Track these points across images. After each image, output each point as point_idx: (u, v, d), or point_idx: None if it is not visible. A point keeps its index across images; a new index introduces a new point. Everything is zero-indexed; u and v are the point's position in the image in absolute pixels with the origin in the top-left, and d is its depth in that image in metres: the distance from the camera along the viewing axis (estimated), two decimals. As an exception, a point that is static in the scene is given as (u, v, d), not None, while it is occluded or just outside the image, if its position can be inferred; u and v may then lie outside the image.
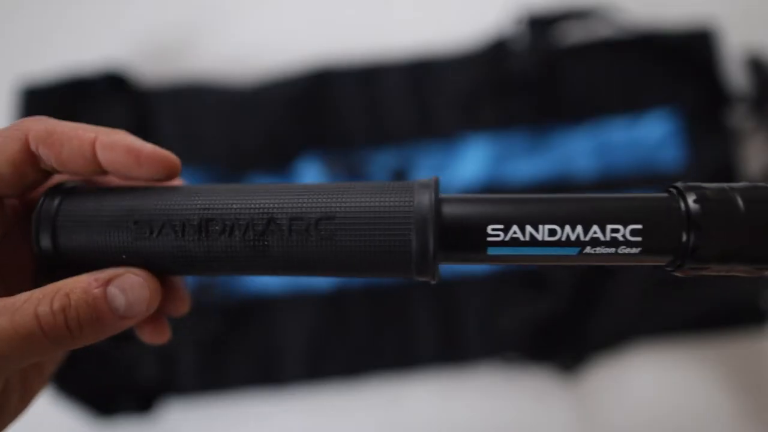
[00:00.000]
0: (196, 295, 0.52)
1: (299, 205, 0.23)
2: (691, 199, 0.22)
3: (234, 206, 0.23)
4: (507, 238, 0.22)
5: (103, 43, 0.58)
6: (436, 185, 0.23)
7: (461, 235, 0.22)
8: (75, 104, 0.54)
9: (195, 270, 0.25)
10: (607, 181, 0.53)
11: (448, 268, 0.52)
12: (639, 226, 0.22)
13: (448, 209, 0.23)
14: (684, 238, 0.22)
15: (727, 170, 0.53)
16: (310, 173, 0.53)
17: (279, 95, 0.54)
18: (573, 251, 0.22)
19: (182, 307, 0.29)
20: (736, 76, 0.55)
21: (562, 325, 0.51)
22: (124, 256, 0.24)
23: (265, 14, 0.60)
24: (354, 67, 0.55)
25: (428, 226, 0.22)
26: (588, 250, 0.22)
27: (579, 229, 0.22)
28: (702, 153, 0.53)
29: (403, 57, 0.55)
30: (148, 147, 0.25)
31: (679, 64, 0.54)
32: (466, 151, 0.54)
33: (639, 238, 0.22)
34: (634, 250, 0.22)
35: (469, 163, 0.53)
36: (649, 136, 0.53)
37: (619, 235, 0.22)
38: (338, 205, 0.23)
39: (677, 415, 0.51)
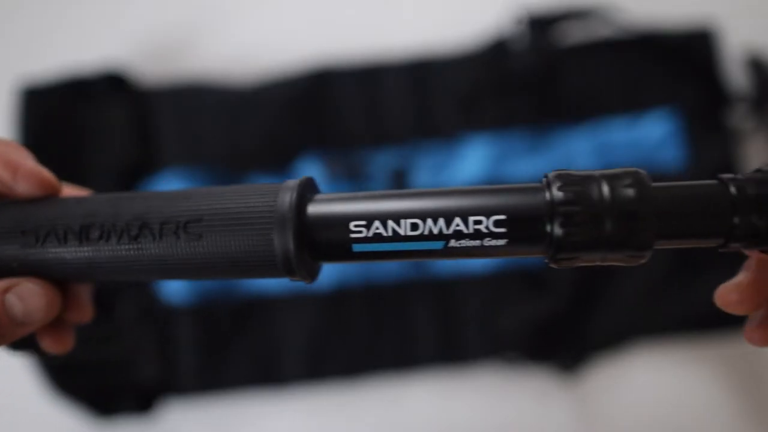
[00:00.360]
0: (196, 296, 0.52)
1: (170, 209, 0.24)
2: (555, 186, 0.21)
3: (112, 213, 0.25)
4: (370, 234, 0.22)
5: (103, 43, 0.58)
6: (301, 185, 0.23)
7: (325, 234, 0.23)
8: (75, 104, 0.54)
9: (80, 277, 0.26)
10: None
11: (448, 268, 0.52)
12: (502, 217, 0.21)
13: (313, 209, 0.23)
14: (548, 227, 0.21)
15: (727, 170, 0.53)
16: (310, 173, 0.53)
17: (279, 95, 0.54)
18: (438, 245, 0.22)
19: (83, 315, 0.29)
20: (736, 76, 0.55)
21: (562, 325, 0.51)
22: (14, 265, 0.25)
23: (265, 14, 0.60)
24: (354, 67, 0.55)
25: (287, 226, 0.22)
26: (453, 243, 0.22)
27: (441, 222, 0.22)
28: (702, 153, 0.53)
29: (403, 57, 0.55)
30: (28, 164, 0.26)
31: (679, 64, 0.54)
32: (466, 150, 0.54)
33: (503, 230, 0.21)
34: (501, 242, 0.21)
35: (470, 163, 0.53)
36: (650, 136, 0.53)
37: (482, 227, 0.21)
38: (206, 208, 0.23)
39: (677, 415, 0.51)
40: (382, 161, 0.54)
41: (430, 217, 0.22)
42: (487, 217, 0.21)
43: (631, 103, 0.54)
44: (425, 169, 0.53)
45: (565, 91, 0.54)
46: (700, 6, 0.55)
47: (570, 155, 0.53)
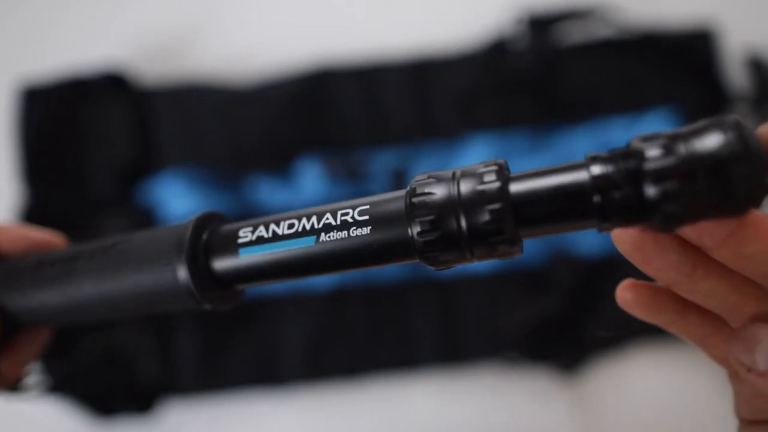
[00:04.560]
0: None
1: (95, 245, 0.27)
2: (414, 188, 0.22)
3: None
4: (254, 237, 0.24)
5: (103, 43, 0.58)
6: (199, 219, 0.25)
7: (220, 257, 0.24)
8: (75, 104, 0.54)
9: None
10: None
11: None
12: (365, 206, 0.22)
13: (209, 237, 0.25)
14: (410, 230, 0.21)
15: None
16: (310, 173, 0.53)
17: (279, 95, 0.54)
18: (310, 241, 0.23)
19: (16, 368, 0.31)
20: (736, 75, 0.55)
21: (562, 325, 0.51)
22: None
23: (265, 14, 0.60)
24: (354, 67, 0.55)
25: (182, 259, 0.24)
26: (323, 237, 0.23)
27: (314, 218, 0.23)
28: (702, 153, 0.53)
29: (403, 57, 0.55)
30: (13, 228, 0.30)
31: (679, 64, 0.54)
32: (466, 150, 0.54)
33: (366, 217, 0.22)
34: (365, 230, 0.22)
35: (470, 163, 0.53)
36: (649, 136, 0.53)
37: (348, 217, 0.22)
38: (130, 243, 0.26)
39: (677, 415, 0.51)
40: (382, 161, 0.54)
41: (305, 216, 0.23)
42: (353, 208, 0.23)
43: (631, 103, 0.54)
44: (425, 169, 0.53)
45: (565, 91, 0.54)
46: (700, 6, 0.55)
47: (570, 155, 0.53)
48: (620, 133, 0.53)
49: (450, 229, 0.21)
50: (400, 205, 0.22)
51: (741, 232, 0.20)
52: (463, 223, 0.20)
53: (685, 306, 0.24)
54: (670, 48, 0.54)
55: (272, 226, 0.24)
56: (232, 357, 0.52)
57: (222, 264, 0.24)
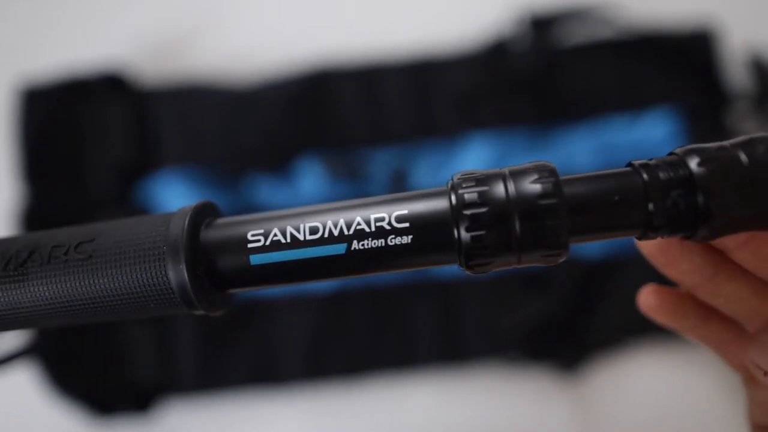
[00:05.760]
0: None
1: (61, 238, 0.22)
2: (459, 188, 0.20)
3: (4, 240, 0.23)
4: (268, 243, 0.21)
5: (102, 42, 0.58)
6: (195, 210, 0.22)
7: (222, 257, 0.21)
8: (75, 105, 0.54)
9: None
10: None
11: (448, 268, 0.52)
12: (404, 212, 0.20)
13: (209, 234, 0.22)
14: (455, 233, 0.20)
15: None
16: (310, 173, 0.53)
17: (279, 95, 0.54)
18: (340, 249, 0.20)
19: None
20: (736, 75, 0.55)
21: (562, 324, 0.51)
22: None
23: (265, 14, 0.60)
24: (354, 67, 0.55)
25: (179, 257, 0.21)
26: (356, 245, 0.20)
27: (342, 222, 0.20)
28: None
29: (403, 57, 0.55)
30: None
31: (680, 63, 0.54)
32: (466, 150, 0.54)
33: (406, 224, 0.20)
34: (406, 240, 0.20)
35: (470, 162, 0.53)
36: (650, 136, 0.53)
37: (384, 224, 0.20)
38: (97, 242, 0.22)
39: (678, 414, 0.51)
40: (382, 161, 0.54)
41: (330, 218, 0.21)
42: (389, 213, 0.20)
43: (631, 103, 0.54)
44: (425, 168, 0.53)
45: (566, 91, 0.54)
46: (700, 6, 0.55)
47: (570, 155, 0.53)
48: (620, 132, 0.53)
49: (502, 241, 0.19)
50: (445, 209, 0.20)
51: (761, 234, 0.20)
52: (517, 233, 0.19)
53: (707, 312, 0.24)
54: (670, 48, 0.54)
55: (290, 230, 0.21)
56: (232, 357, 0.52)
57: (227, 268, 0.21)
